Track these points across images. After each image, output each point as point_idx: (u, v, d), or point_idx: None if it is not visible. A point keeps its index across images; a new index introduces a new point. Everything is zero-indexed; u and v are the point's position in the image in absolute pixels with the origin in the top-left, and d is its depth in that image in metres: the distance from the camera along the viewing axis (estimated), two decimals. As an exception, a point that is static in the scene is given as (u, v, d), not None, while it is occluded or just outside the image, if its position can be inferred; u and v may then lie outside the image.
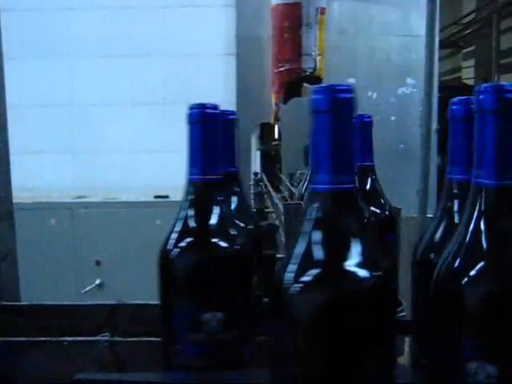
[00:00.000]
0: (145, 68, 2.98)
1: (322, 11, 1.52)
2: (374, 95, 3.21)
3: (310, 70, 1.52)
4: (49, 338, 0.60)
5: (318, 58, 1.52)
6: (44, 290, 1.91)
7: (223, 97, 2.92)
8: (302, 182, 1.68)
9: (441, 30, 7.73)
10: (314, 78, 1.55)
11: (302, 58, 1.51)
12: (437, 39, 3.04)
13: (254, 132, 2.99)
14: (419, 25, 2.55)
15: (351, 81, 3.17)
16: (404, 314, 0.82)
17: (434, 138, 3.05)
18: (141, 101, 2.96)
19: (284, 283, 0.46)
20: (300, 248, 0.47)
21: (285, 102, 1.58)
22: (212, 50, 2.96)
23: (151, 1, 2.97)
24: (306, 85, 1.58)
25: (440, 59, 8.11)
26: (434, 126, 3.05)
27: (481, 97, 0.45)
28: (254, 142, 3.02)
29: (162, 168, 2.94)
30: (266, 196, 2.17)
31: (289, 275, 0.46)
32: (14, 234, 1.11)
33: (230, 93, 2.90)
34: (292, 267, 0.47)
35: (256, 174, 2.75)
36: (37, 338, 0.59)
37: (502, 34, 6.89)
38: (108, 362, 0.59)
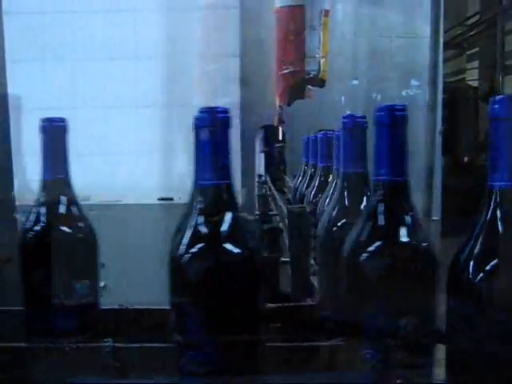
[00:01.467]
0: (149, 70, 2.98)
1: (326, 13, 1.51)
2: (378, 97, 3.20)
3: (313, 73, 1.51)
4: (51, 344, 0.59)
5: (322, 61, 1.51)
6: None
7: (227, 99, 2.91)
8: (299, 178, 1.66)
9: (445, 32, 7.70)
10: (318, 81, 1.55)
11: (306, 60, 1.51)
12: (441, 41, 3.03)
13: (258, 134, 2.99)
14: (423, 26, 2.54)
15: (355, 83, 3.17)
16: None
17: (438, 139, 3.04)
18: (144, 103, 2.96)
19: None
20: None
21: (289, 104, 1.57)
22: (216, 51, 2.95)
23: (156, 4, 2.97)
24: (309, 87, 1.57)
25: (444, 61, 8.05)
26: (439, 127, 3.04)
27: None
28: (258, 144, 3.01)
29: (166, 170, 2.94)
30: (270, 198, 2.16)
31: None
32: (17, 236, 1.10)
33: (234, 95, 2.89)
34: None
35: (260, 176, 2.74)
36: (38, 344, 0.59)
37: (507, 35, 6.86)
38: (110, 367, 0.59)
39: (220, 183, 0.62)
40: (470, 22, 7.58)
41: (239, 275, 0.62)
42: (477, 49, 7.84)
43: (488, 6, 7.03)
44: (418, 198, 2.46)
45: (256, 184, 2.57)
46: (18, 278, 0.80)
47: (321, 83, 1.56)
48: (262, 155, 3.09)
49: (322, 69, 1.52)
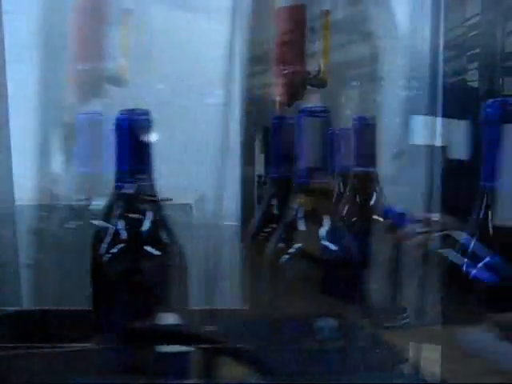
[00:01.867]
0: (152, 71, 2.96)
1: (327, 14, 1.51)
2: (378, 98, 3.20)
3: (314, 73, 1.51)
4: (48, 344, 0.59)
5: (322, 61, 1.51)
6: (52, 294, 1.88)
7: (227, 99, 2.90)
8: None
9: (445, 33, 7.72)
10: (319, 81, 1.55)
11: (307, 60, 1.51)
12: (441, 41, 3.02)
13: (257, 135, 2.99)
14: (424, 27, 2.52)
15: (355, 84, 3.16)
16: (408, 320, 0.81)
17: (438, 140, 3.03)
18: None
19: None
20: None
21: (289, 105, 1.57)
22: (215, 52, 2.94)
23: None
24: (309, 87, 1.57)
25: (444, 61, 8.02)
26: (438, 129, 3.03)
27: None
28: (258, 145, 3.01)
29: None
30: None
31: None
32: (16, 238, 1.10)
33: (234, 95, 2.88)
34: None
35: (260, 176, 2.74)
36: (35, 345, 0.58)
37: (507, 36, 6.86)
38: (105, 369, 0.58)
39: (134, 185, 0.63)
40: (469, 23, 7.57)
41: (147, 278, 0.63)
42: (477, 50, 7.85)
43: (488, 7, 7.01)
44: (418, 198, 2.46)
45: (256, 185, 2.57)
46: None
47: (322, 83, 1.56)
48: (262, 156, 3.10)
49: (322, 69, 1.52)
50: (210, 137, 3.07)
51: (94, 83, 1.43)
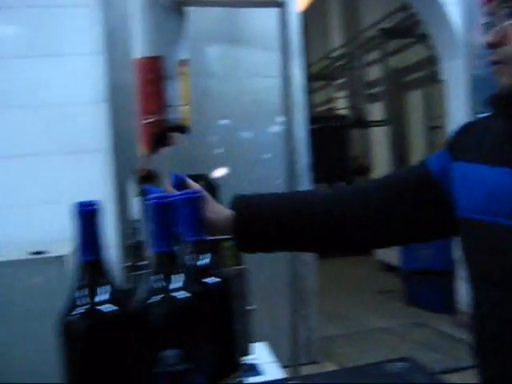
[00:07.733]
0: (18, 119, 2.88)
1: (183, 63, 1.58)
2: (246, 135, 3.32)
3: (175, 121, 1.56)
4: None
5: (183, 108, 1.57)
6: None
7: (97, 144, 2.89)
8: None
9: (312, 65, 8.15)
10: (180, 128, 1.61)
11: (167, 109, 1.56)
12: (301, 78, 3.20)
13: (131, 179, 2.98)
14: (288, 65, 2.62)
15: (224, 122, 3.27)
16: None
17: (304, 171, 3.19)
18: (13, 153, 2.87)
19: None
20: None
21: (153, 152, 1.61)
22: (83, 97, 2.93)
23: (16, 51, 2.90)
24: (174, 134, 1.62)
25: (314, 91, 8.41)
26: (304, 160, 3.21)
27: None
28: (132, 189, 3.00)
29: (35, 222, 2.83)
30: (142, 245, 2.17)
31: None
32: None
33: (104, 140, 2.88)
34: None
35: (135, 221, 2.73)
36: None
37: (368, 66, 7.37)
38: None
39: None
40: (334, 54, 8.07)
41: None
42: (343, 79, 8.35)
43: (348, 40, 7.54)
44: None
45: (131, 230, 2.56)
46: None
47: (183, 130, 1.62)
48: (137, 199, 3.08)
49: (182, 116, 1.58)
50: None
51: (160, 134, 1.44)
